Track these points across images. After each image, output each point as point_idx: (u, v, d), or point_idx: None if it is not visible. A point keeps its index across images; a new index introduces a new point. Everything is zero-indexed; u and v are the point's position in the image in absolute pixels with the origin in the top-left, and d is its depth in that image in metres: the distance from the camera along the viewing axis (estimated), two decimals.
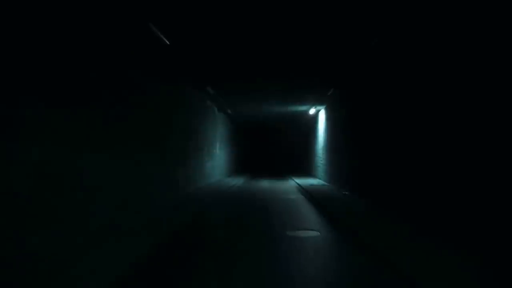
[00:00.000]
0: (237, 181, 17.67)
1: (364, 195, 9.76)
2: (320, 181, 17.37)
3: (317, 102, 15.71)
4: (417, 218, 6.15)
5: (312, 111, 17.98)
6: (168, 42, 7.40)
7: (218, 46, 8.24)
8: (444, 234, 5.20)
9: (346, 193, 11.33)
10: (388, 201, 7.78)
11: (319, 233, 6.05)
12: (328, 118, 15.97)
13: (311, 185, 14.95)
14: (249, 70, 10.67)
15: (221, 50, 8.56)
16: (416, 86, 6.47)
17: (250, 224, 6.95)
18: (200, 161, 14.06)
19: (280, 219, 7.45)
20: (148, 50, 7.96)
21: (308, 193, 11.85)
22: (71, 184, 5.25)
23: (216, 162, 18.04)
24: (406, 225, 5.93)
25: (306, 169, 24.79)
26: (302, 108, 17.98)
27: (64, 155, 5.07)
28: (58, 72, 4.93)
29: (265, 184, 17.58)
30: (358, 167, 10.51)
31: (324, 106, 16.87)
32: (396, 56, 7.52)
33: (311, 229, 6.35)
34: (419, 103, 6.30)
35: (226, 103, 16.72)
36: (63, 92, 5.06)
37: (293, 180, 18.94)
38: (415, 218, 6.22)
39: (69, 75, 5.17)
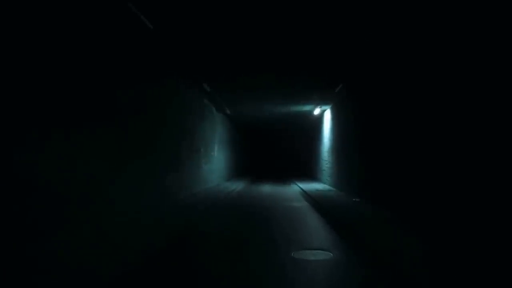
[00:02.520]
0: (237, 186, 16.54)
1: (377, 203, 8.60)
2: (326, 185, 16.21)
3: (322, 101, 14.59)
4: (453, 234, 5.00)
5: (317, 111, 16.87)
6: (151, 26, 6.30)
7: (211, 36, 7.15)
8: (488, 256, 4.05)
9: (357, 200, 10.17)
10: (409, 211, 6.62)
11: (331, 254, 4.90)
12: (335, 118, 14.83)
13: (317, 190, 13.80)
14: (248, 64, 9.56)
15: (215, 41, 7.47)
16: (442, 76, 5.34)
17: (248, 243, 5.79)
18: (196, 164, 12.94)
19: (284, 235, 6.30)
20: (130, 38, 6.87)
21: (314, 200, 10.70)
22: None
23: (215, 165, 16.91)
24: (439, 242, 4.78)
25: (310, 173, 23.61)
26: (306, 108, 16.89)
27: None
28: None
29: (267, 189, 16.43)
30: (371, 171, 9.35)
31: (329, 106, 15.76)
32: (415, 44, 6.38)
33: (321, 249, 5.20)
34: (445, 93, 5.17)
35: (224, 103, 15.61)
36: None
37: (296, 184, 17.78)
38: (448, 233, 5.07)
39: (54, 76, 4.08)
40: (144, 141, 7.93)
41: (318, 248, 5.22)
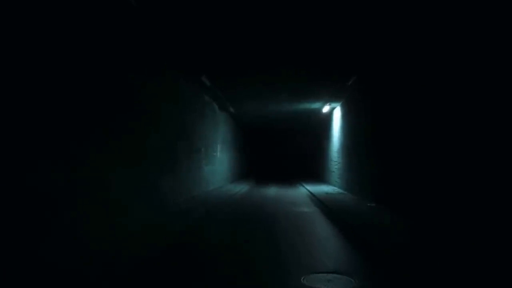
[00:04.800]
0: (241, 188, 15.55)
1: (396, 209, 7.54)
2: (335, 188, 15.15)
3: (332, 97, 13.55)
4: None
5: (325, 109, 15.84)
6: (133, 2, 5.32)
7: (209, 23, 6.17)
8: None
9: (372, 205, 9.12)
10: (435, 220, 5.57)
11: (352, 281, 3.87)
12: (345, 115, 13.77)
13: (326, 193, 12.76)
14: (252, 56, 8.56)
15: (214, 29, 6.49)
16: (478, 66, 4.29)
17: (248, 262, 4.74)
18: (195, 165, 11.96)
19: (293, 251, 5.25)
20: (111, 20, 5.91)
21: (325, 205, 9.66)
22: None
23: (217, 167, 15.93)
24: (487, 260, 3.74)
25: (317, 174, 22.55)
26: (315, 105, 15.88)
27: None
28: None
29: (273, 192, 15.41)
30: (388, 173, 8.29)
31: (339, 103, 14.72)
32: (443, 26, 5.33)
33: (339, 272, 4.16)
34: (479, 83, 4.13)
35: (227, 100, 14.64)
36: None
37: (304, 187, 16.76)
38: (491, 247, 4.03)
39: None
40: (133, 138, 6.97)
41: (334, 271, 4.18)
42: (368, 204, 9.27)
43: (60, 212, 4.72)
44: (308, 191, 14.44)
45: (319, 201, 10.75)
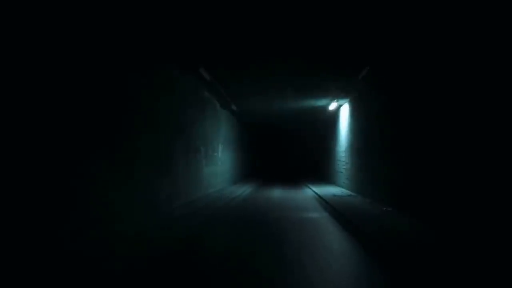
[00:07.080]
0: (243, 190, 14.73)
1: (416, 214, 6.68)
2: (344, 190, 14.28)
3: (340, 93, 12.70)
4: None
5: (332, 106, 14.99)
6: None
7: (206, 5, 5.34)
8: None
9: (389, 209, 8.26)
10: (472, 226, 4.71)
11: None
12: (355, 112, 12.91)
13: (334, 195, 11.91)
14: (255, 48, 7.73)
15: (212, 10, 5.67)
16: None
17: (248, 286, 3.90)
18: (194, 166, 11.14)
19: (303, 273, 4.34)
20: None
21: (335, 210, 8.80)
22: None
23: (218, 168, 15.11)
24: None
25: (323, 175, 21.66)
26: (321, 103, 15.07)
27: None
28: None
29: (277, 194, 14.56)
30: (406, 173, 7.42)
31: (347, 100, 13.86)
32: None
33: None
34: None
35: (228, 97, 13.80)
36: None
37: (310, 188, 15.91)
38: None
39: None
40: (125, 139, 6.16)
41: None
42: (384, 208, 8.41)
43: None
44: (315, 193, 13.59)
45: (328, 205, 9.90)
